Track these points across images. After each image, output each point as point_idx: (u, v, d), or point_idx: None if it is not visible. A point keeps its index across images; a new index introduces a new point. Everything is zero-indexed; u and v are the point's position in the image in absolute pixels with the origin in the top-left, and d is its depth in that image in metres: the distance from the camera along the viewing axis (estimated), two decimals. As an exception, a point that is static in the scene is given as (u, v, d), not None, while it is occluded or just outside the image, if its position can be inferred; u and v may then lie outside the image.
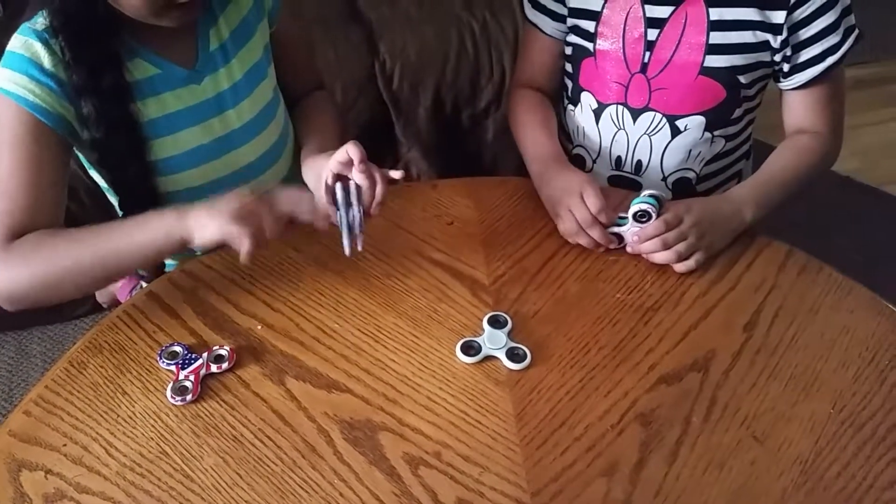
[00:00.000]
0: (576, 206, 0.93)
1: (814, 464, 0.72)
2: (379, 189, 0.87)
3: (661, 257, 0.91)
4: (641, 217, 0.91)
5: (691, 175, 1.13)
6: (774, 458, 0.73)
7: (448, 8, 1.80)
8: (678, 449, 0.73)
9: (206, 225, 0.81)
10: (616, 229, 0.94)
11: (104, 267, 0.85)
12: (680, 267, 0.91)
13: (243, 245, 0.80)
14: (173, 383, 0.79)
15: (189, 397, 0.78)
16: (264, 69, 1.02)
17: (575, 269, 0.93)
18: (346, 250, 0.87)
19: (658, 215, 0.91)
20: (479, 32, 1.76)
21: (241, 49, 0.98)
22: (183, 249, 0.85)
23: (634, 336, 0.85)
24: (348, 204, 0.86)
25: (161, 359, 0.82)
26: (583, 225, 0.93)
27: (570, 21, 1.10)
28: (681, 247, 0.90)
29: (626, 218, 0.92)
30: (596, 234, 0.93)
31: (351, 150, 0.85)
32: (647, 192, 0.92)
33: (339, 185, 0.87)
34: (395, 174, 0.89)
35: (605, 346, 0.84)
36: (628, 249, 0.94)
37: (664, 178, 1.13)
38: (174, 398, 0.78)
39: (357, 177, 0.86)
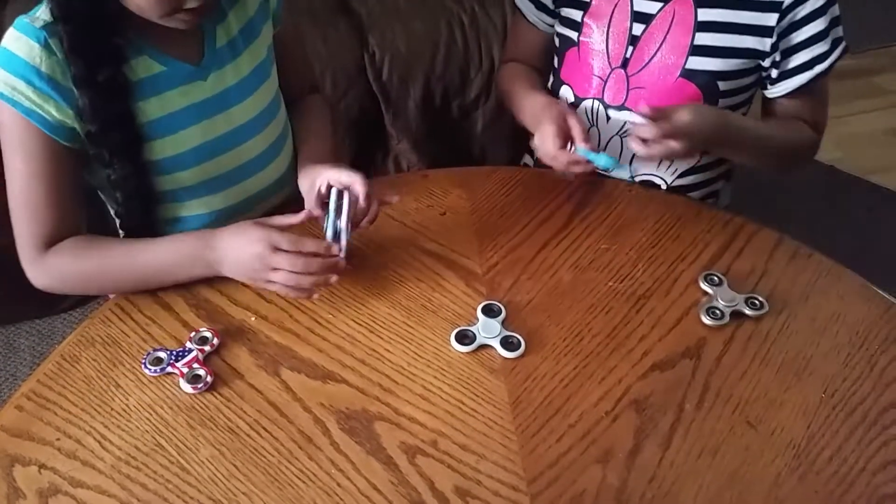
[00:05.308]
0: (541, 144, 0.99)
1: (806, 448, 0.73)
2: (373, 208, 0.90)
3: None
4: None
5: (660, 182, 1.12)
6: (767, 443, 0.74)
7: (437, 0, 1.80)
8: (672, 435, 0.74)
9: (235, 273, 0.87)
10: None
11: (138, 283, 0.90)
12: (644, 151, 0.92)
13: (283, 292, 0.86)
14: (183, 377, 0.79)
15: (209, 380, 0.78)
16: (268, 69, 1.02)
17: (567, 258, 0.94)
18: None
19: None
20: (469, 24, 1.75)
21: (247, 48, 0.97)
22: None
23: (627, 324, 0.85)
24: (338, 213, 0.87)
25: (146, 366, 0.80)
26: (548, 161, 0.99)
27: (560, 10, 1.09)
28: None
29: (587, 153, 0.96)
30: (559, 167, 0.98)
31: (359, 187, 0.87)
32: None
33: (334, 191, 0.88)
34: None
35: (598, 334, 0.84)
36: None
37: (632, 177, 1.12)
38: (193, 388, 0.78)
39: (355, 190, 0.87)
